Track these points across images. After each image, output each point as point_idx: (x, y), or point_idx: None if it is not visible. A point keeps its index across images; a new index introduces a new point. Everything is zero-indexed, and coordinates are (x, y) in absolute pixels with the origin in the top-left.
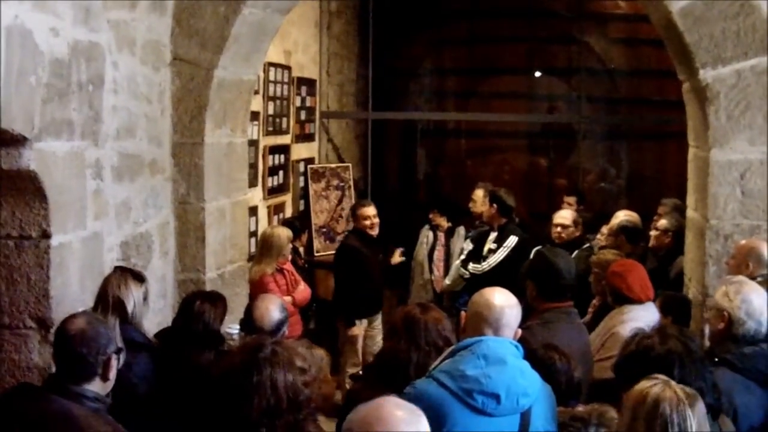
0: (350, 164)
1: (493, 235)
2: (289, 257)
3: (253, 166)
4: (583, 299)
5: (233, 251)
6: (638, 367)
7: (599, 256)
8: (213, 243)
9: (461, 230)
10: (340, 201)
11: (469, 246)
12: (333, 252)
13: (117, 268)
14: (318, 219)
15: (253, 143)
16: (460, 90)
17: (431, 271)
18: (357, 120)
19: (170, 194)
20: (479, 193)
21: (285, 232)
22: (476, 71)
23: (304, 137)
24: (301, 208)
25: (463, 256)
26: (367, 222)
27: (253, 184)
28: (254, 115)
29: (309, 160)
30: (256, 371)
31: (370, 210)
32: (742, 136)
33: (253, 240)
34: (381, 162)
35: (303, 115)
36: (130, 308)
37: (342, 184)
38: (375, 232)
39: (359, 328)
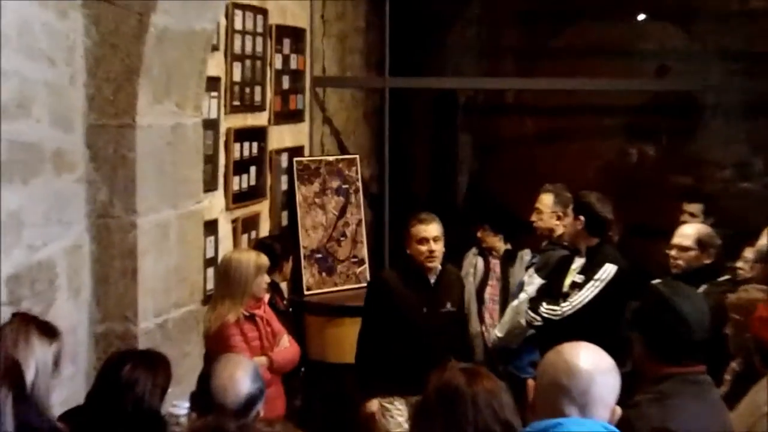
0: (357, 156)
1: (578, 263)
2: (265, 297)
3: (211, 160)
4: (716, 359)
5: (181, 289)
6: None
7: (741, 295)
8: (150, 277)
9: (525, 255)
10: (342, 212)
11: (535, 279)
12: (332, 290)
13: (16, 316)
14: (309, 239)
15: (211, 125)
16: (522, 45)
17: (481, 316)
18: (368, 91)
19: (84, 203)
20: (547, 200)
21: (257, 260)
22: (547, 18)
23: (289, 116)
24: (284, 222)
25: (527, 293)
26: (423, 248)
27: (211, 186)
28: (212, 83)
29: (295, 151)
30: None
31: (431, 229)
32: None
33: (211, 271)
34: (404, 153)
35: (286, 83)
36: (30, 377)
37: (345, 186)
38: (433, 264)
39: (376, 404)
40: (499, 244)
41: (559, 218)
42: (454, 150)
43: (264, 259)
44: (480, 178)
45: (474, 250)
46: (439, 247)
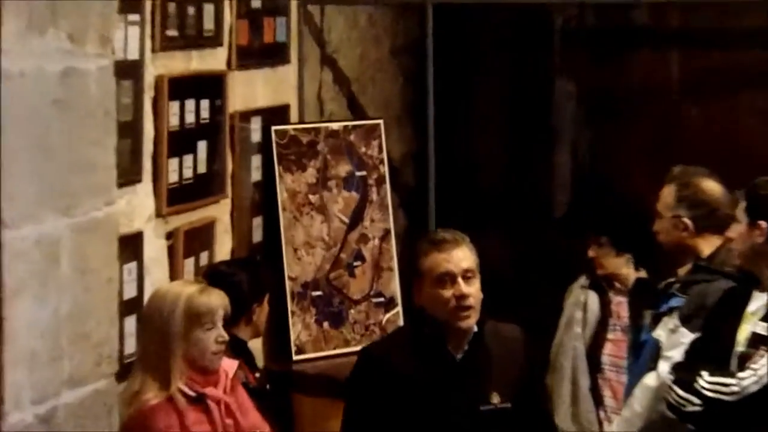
0: (381, 121)
1: (758, 302)
2: (229, 367)
3: (130, 131)
4: None
5: (80, 355)
6: None
7: None
8: (25, 334)
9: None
10: (357, 217)
11: (683, 334)
12: (339, 352)
13: None
14: (300, 266)
15: (129, 71)
16: None
17: (596, 394)
18: (397, 10)
19: None
20: (666, 197)
21: (195, 298)
22: None
23: (263, 54)
24: (257, 237)
25: (670, 359)
26: (446, 292)
27: (130, 176)
28: (130, 3)
29: (275, 114)
30: None
31: (457, 258)
32: None
33: (132, 322)
34: (459, 116)
35: (255, 2)
36: None
37: (361, 173)
38: (467, 323)
39: None
40: (626, 271)
41: (685, 228)
42: (545, 110)
43: (214, 298)
44: (591, 158)
45: (582, 280)
46: (474, 290)
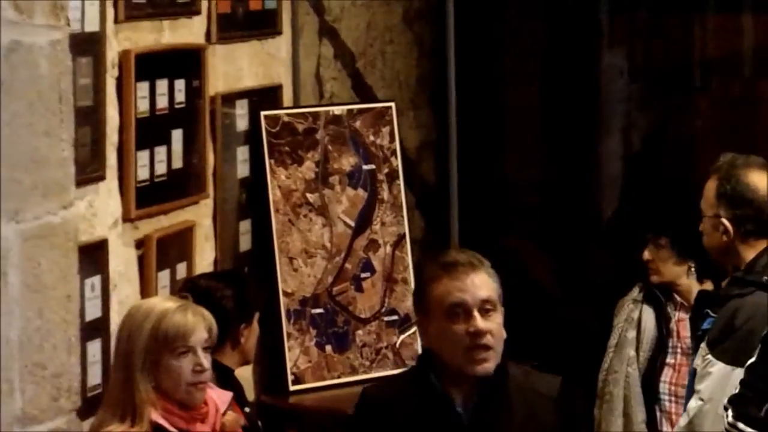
0: (393, 104)
1: None
2: (218, 399)
3: (90, 117)
4: None
5: (34, 387)
6: None
7: None
8: None
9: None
10: (364, 220)
11: (711, 363)
12: (344, 381)
13: None
14: (296, 279)
15: (88, 45)
16: None
17: (654, 426)
18: None
19: None
20: (708, 192)
21: (167, 315)
22: None
23: (248, 24)
24: (244, 245)
25: (703, 387)
26: (459, 328)
27: (92, 172)
28: None
29: (264, 96)
30: None
31: (473, 285)
32: None
33: (95, 347)
34: (486, 97)
35: None
36: None
37: (370, 167)
38: (485, 366)
39: None
40: (687, 281)
41: (725, 231)
42: (589, 89)
43: (191, 319)
44: (646, 146)
45: (635, 292)
46: (494, 326)
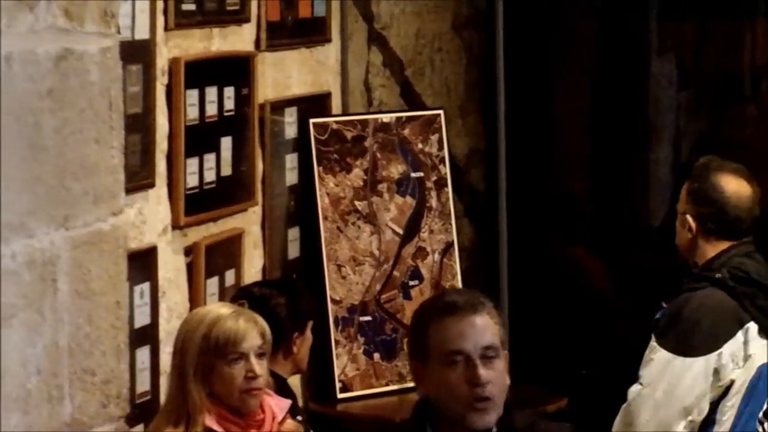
0: (441, 111)
1: None
2: (275, 408)
3: (140, 125)
4: None
5: (83, 393)
6: None
7: None
8: (17, 370)
9: None
10: (413, 227)
11: (653, 349)
12: (393, 389)
13: None
14: (344, 287)
15: (138, 53)
16: None
17: None
18: None
19: None
20: (683, 193)
21: (232, 325)
22: None
23: (297, 32)
24: (293, 252)
25: (644, 372)
26: (458, 379)
27: (141, 180)
28: None
29: (313, 104)
30: None
31: (469, 327)
32: None
33: (144, 354)
34: (537, 105)
35: None
36: None
37: (418, 174)
38: (482, 421)
39: None
40: None
41: (689, 227)
42: (640, 96)
43: (244, 325)
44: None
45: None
46: (496, 375)
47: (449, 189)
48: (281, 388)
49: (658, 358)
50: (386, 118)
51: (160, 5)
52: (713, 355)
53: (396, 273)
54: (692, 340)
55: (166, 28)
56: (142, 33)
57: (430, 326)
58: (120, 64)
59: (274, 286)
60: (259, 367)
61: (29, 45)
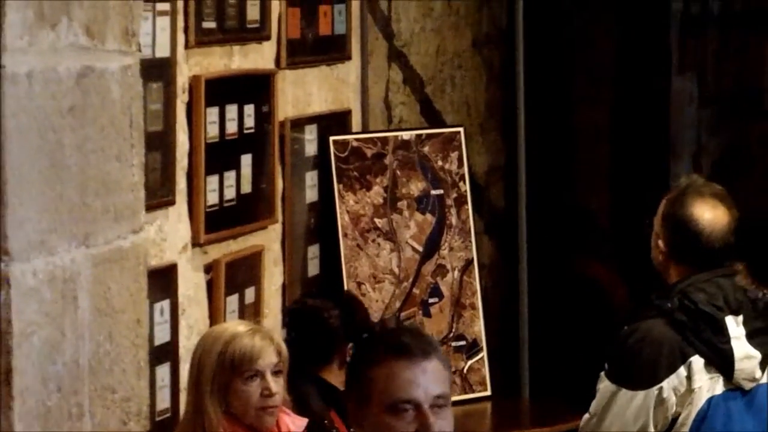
0: (461, 129)
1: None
2: (271, 422)
3: (160, 142)
4: None
5: (104, 410)
6: None
7: None
8: (37, 388)
9: None
10: (432, 244)
11: (600, 378)
12: None
13: None
14: (366, 303)
15: (158, 71)
16: None
17: None
18: None
19: None
20: (662, 205)
21: (248, 342)
22: None
23: (318, 49)
24: (312, 269)
25: (593, 404)
26: (405, 427)
27: (161, 197)
28: None
29: (334, 121)
30: None
31: (422, 374)
32: None
33: (164, 371)
34: (556, 122)
35: None
36: None
37: (438, 192)
38: None
39: None
40: None
41: (660, 250)
42: (660, 114)
43: (260, 342)
44: (718, 171)
45: None
46: (446, 423)
47: (469, 206)
48: (334, 398)
49: (603, 389)
50: (406, 135)
51: (180, 23)
52: (654, 389)
53: (416, 290)
54: (633, 373)
55: (187, 46)
56: (162, 51)
57: (375, 368)
58: (141, 81)
59: (329, 297)
60: (275, 384)
61: (51, 63)
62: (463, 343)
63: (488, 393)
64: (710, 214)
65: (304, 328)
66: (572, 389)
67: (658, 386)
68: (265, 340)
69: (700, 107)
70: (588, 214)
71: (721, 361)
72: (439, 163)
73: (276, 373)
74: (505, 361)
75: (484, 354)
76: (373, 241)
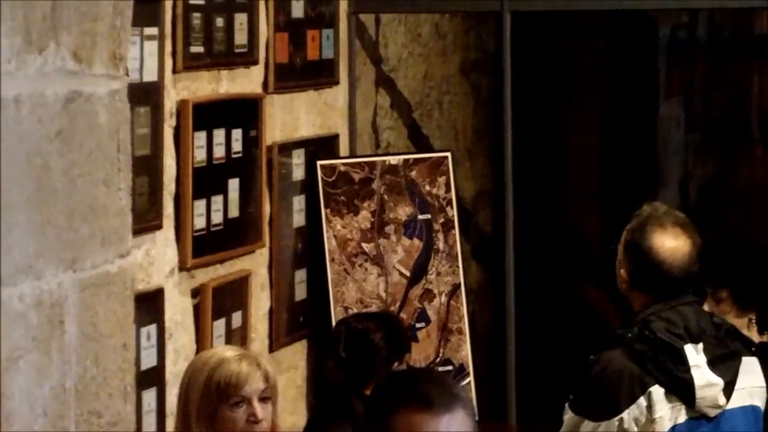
0: (449, 154)
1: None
2: None
3: (148, 167)
4: None
5: None
6: None
7: None
8: (24, 412)
9: None
10: (420, 269)
11: (565, 410)
12: None
13: None
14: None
15: (146, 95)
16: None
17: None
18: (467, 19)
19: None
20: (625, 232)
21: (235, 367)
22: None
23: (305, 73)
24: (300, 294)
25: None
26: None
27: (148, 222)
28: (148, 11)
29: (321, 146)
30: None
31: (445, 427)
32: None
33: (150, 396)
34: (545, 147)
35: (298, 8)
36: None
37: (425, 216)
38: None
39: None
40: (748, 334)
41: (623, 279)
42: (647, 139)
43: (247, 368)
44: (704, 197)
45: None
46: None
47: (456, 231)
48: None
49: (567, 420)
50: (394, 160)
51: (168, 47)
52: (614, 420)
53: (403, 315)
54: (594, 404)
55: (175, 71)
56: (150, 75)
57: (396, 416)
58: (128, 106)
59: (373, 318)
60: (262, 410)
61: (38, 87)
62: (450, 368)
63: (475, 418)
64: (672, 243)
65: (350, 348)
66: (559, 414)
67: (619, 417)
68: (252, 365)
69: (687, 132)
70: (575, 238)
71: (682, 390)
72: (427, 187)
73: (263, 399)
74: (492, 386)
75: (471, 379)
76: (361, 265)
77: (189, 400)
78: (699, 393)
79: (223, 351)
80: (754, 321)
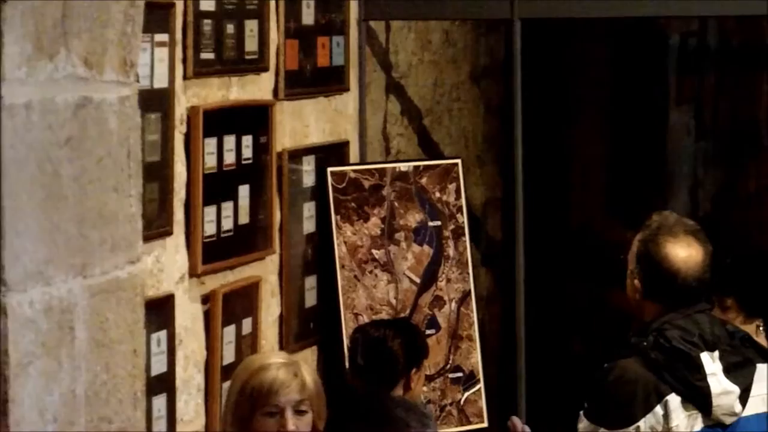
0: (459, 161)
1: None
2: None
3: (158, 173)
4: None
5: None
6: None
7: None
8: (33, 419)
9: None
10: (431, 276)
11: (580, 418)
12: None
13: None
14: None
15: (156, 101)
16: None
17: None
18: (477, 27)
19: None
20: (636, 243)
21: (271, 375)
22: None
23: (316, 80)
24: (310, 300)
25: None
26: None
27: (158, 228)
28: (159, 17)
29: (331, 152)
30: None
31: None
32: None
33: (160, 402)
34: (554, 156)
35: (308, 15)
36: None
37: (435, 223)
38: None
39: None
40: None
41: (636, 289)
42: (657, 148)
43: (283, 377)
44: (713, 205)
45: None
46: None
47: (466, 238)
48: None
49: (582, 428)
50: (404, 167)
51: (179, 54)
52: (631, 428)
53: (413, 321)
54: (609, 413)
55: (185, 77)
56: (160, 82)
57: None
58: (139, 112)
59: (389, 326)
60: (295, 421)
61: (48, 93)
62: (460, 374)
63: (485, 425)
64: (684, 253)
65: (369, 356)
66: (569, 421)
67: (635, 425)
68: (289, 375)
69: (697, 140)
70: (586, 246)
71: (698, 398)
72: (437, 194)
73: (299, 411)
74: (502, 392)
75: (481, 386)
76: (371, 272)
77: (228, 402)
78: (715, 401)
79: (268, 357)
80: (761, 328)
